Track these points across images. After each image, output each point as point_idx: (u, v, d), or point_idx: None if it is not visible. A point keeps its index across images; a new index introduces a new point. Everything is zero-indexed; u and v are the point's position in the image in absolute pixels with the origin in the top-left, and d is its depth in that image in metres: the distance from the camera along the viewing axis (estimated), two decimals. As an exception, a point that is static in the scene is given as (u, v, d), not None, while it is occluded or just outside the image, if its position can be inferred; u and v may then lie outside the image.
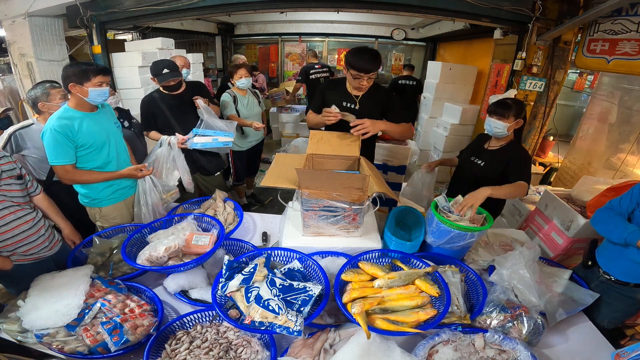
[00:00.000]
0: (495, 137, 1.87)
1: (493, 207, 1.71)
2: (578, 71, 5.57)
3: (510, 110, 1.75)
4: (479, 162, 1.92)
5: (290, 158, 1.72)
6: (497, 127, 1.78)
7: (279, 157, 1.72)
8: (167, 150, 2.15)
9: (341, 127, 1.85)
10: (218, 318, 1.26)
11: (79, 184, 1.79)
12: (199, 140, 2.23)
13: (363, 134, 1.71)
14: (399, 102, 1.97)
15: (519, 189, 1.69)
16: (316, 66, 4.79)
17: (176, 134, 2.24)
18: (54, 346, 1.10)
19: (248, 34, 7.14)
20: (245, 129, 2.99)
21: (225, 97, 2.90)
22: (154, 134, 2.38)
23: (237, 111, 2.92)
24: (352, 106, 1.93)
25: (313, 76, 4.74)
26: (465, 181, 1.98)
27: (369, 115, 1.86)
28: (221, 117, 2.83)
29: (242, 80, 2.87)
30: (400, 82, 5.14)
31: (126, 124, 2.53)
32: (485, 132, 1.91)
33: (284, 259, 1.45)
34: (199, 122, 2.36)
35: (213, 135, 2.28)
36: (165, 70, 2.24)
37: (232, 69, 2.96)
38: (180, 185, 2.24)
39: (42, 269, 1.41)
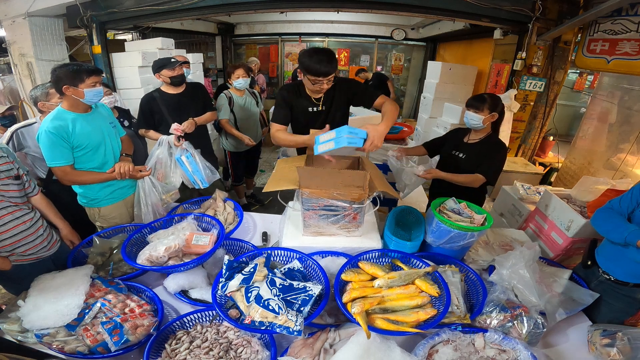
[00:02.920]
0: (473, 129, 1.96)
1: (470, 195, 1.80)
2: (578, 71, 5.57)
3: (484, 103, 1.83)
4: (460, 155, 1.99)
5: (291, 161, 1.72)
6: (473, 119, 1.87)
7: (280, 163, 1.71)
8: (167, 150, 2.14)
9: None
10: (218, 318, 1.26)
11: (78, 185, 1.78)
12: (185, 161, 2.17)
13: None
14: (360, 84, 1.97)
15: (473, 180, 1.84)
16: None
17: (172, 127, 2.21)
18: (54, 346, 1.10)
19: (248, 34, 7.14)
20: (241, 130, 2.96)
21: (221, 98, 2.89)
22: (152, 133, 2.38)
23: (232, 112, 2.91)
24: (317, 109, 1.90)
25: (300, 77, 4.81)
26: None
27: (335, 112, 1.90)
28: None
29: (239, 81, 2.85)
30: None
31: (126, 123, 2.53)
32: (465, 125, 1.98)
33: (284, 259, 1.45)
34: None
35: (195, 170, 2.19)
36: (173, 59, 2.33)
37: (230, 68, 2.95)
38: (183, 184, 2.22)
39: (41, 269, 1.41)
